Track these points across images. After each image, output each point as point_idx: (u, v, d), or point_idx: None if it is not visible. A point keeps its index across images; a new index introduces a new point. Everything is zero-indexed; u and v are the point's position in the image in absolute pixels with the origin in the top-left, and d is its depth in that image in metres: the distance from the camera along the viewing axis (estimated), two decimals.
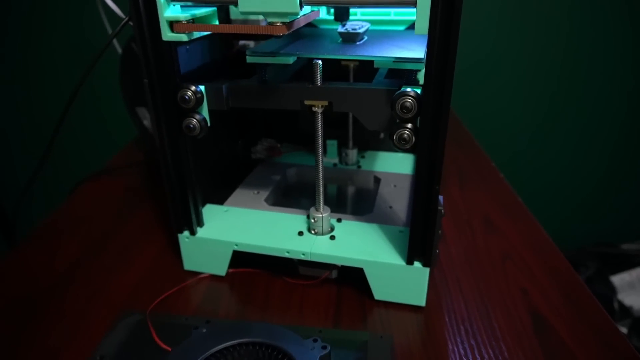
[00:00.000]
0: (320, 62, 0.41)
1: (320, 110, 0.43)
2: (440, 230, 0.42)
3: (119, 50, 0.70)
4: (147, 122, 0.70)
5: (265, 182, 0.59)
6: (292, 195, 0.59)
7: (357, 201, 0.57)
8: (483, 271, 0.51)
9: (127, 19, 0.43)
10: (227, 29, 0.37)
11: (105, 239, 0.58)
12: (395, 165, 0.64)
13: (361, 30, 0.46)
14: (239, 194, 0.57)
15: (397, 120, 0.39)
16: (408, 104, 0.37)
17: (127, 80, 0.71)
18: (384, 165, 0.64)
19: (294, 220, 0.50)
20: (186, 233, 0.49)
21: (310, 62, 0.41)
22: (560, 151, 1.26)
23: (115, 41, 0.71)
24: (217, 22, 0.44)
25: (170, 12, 0.39)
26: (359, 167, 0.63)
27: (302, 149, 0.68)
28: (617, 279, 1.16)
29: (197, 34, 0.41)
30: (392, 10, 0.56)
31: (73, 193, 0.70)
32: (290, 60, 0.43)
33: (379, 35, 0.51)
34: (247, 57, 0.43)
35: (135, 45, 0.67)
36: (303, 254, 0.46)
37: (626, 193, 1.30)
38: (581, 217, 1.35)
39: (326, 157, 0.65)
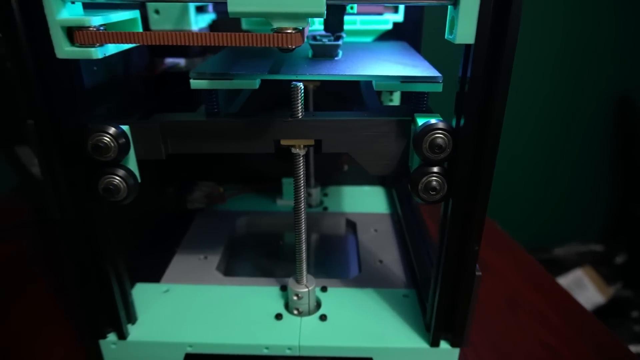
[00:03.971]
0: (302, 85, 0.29)
1: (303, 152, 0.31)
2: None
3: None
4: (36, 170, 0.52)
5: (211, 241, 0.45)
6: (249, 255, 0.46)
7: (335, 256, 0.46)
8: (497, 328, 0.42)
9: None
10: (198, 38, 0.24)
11: None
12: (367, 202, 0.53)
13: (340, 42, 0.35)
14: (179, 262, 0.42)
15: (420, 163, 0.28)
16: (440, 141, 0.26)
17: None
18: (353, 204, 0.53)
19: (264, 296, 0.37)
20: (112, 337, 0.33)
21: (276, 86, 0.30)
22: None
23: None
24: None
25: (67, 13, 0.24)
26: (325, 208, 0.52)
27: (249, 190, 0.54)
28: None
29: (114, 48, 0.26)
30: (358, 19, 0.45)
31: None
32: (256, 83, 0.30)
33: (353, 48, 0.40)
34: (191, 81, 0.30)
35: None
36: (289, 349, 0.33)
37: (555, 196, 1.33)
38: (512, 223, 1.36)
39: (282, 199, 0.52)
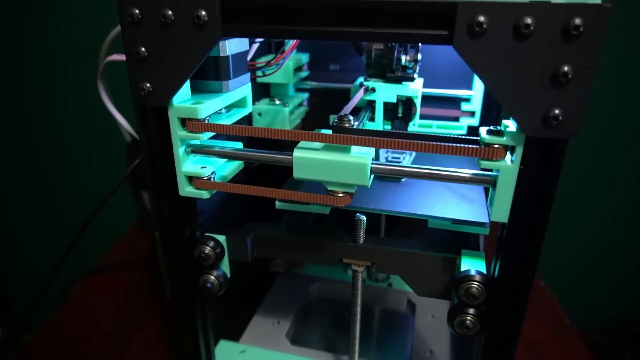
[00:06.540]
0: (364, 217, 0.35)
1: (361, 270, 0.37)
2: None
3: (127, 138, 0.64)
4: None
5: (286, 307, 0.52)
6: (317, 323, 0.52)
7: (389, 337, 0.50)
8: None
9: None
10: (270, 192, 0.31)
11: None
12: None
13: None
14: (257, 324, 0.50)
15: (455, 301, 0.32)
16: (474, 291, 0.30)
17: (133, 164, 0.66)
18: None
19: None
20: None
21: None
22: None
23: (125, 125, 0.65)
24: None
25: (189, 166, 0.33)
26: (390, 285, 0.56)
27: None
28: None
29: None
30: (435, 123, 0.50)
31: (65, 300, 0.62)
32: (328, 210, 0.37)
33: (419, 161, 0.45)
34: (277, 202, 0.37)
35: None
36: None
37: None
38: (598, 289, 1.25)
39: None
